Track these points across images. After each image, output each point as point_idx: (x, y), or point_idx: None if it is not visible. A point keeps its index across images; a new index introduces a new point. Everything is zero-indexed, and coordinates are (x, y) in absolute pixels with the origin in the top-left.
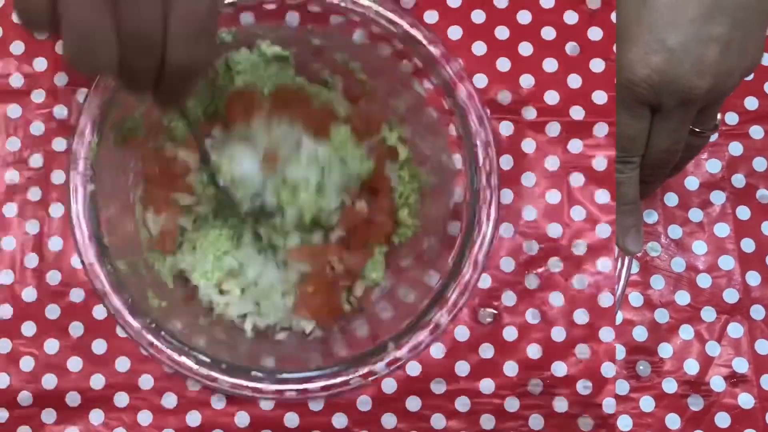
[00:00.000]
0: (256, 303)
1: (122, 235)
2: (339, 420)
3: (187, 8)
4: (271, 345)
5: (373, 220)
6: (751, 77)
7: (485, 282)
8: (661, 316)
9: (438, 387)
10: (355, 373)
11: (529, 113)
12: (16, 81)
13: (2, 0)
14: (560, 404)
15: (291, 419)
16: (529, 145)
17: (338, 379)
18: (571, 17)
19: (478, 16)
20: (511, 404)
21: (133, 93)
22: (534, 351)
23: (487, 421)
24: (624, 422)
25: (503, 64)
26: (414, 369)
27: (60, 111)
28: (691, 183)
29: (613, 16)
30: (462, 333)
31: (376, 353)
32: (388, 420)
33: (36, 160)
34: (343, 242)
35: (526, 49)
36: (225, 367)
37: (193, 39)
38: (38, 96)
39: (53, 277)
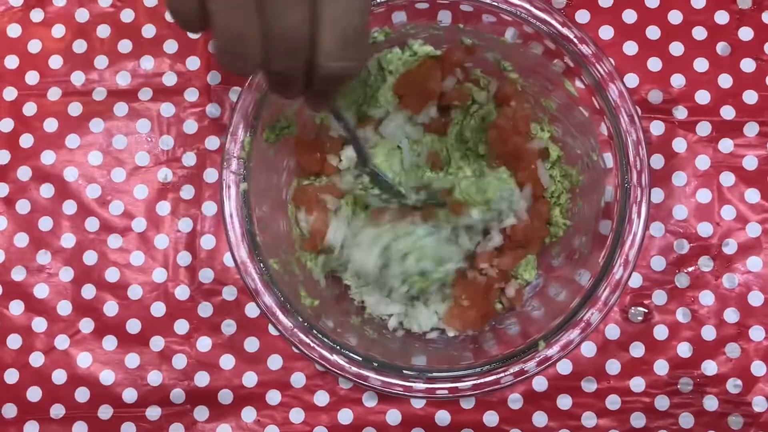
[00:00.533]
0: (404, 304)
1: (275, 233)
2: (490, 418)
3: (336, 16)
4: (422, 343)
5: (532, 230)
6: None
7: (636, 281)
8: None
9: (588, 385)
10: (506, 371)
11: (680, 113)
12: (170, 79)
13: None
14: (710, 402)
15: (442, 417)
16: (679, 145)
17: (489, 378)
18: (721, 17)
19: (629, 16)
20: (662, 403)
21: (283, 95)
22: (684, 350)
23: (638, 419)
24: None
25: (654, 64)
26: (565, 367)
27: (213, 109)
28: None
29: (764, 16)
30: (612, 331)
31: (527, 351)
32: (539, 418)
33: (189, 159)
34: (497, 249)
35: (677, 48)
36: (377, 365)
37: (342, 47)
38: (191, 94)
39: (206, 275)
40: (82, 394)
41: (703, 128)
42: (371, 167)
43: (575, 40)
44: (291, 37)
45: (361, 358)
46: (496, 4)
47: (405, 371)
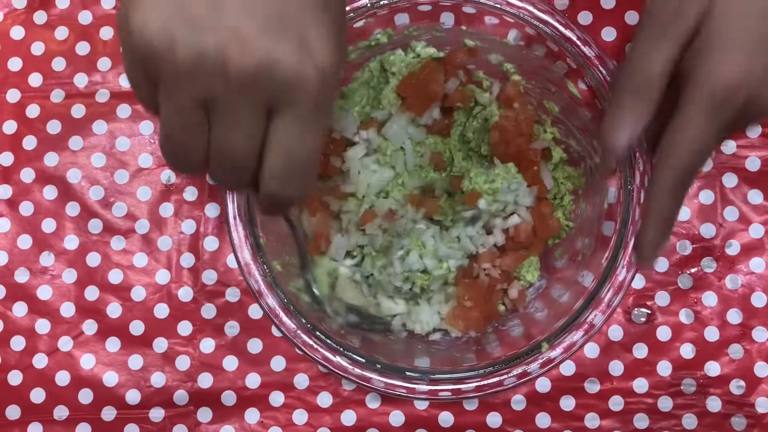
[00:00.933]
0: (407, 304)
1: (278, 234)
2: (493, 419)
3: (285, 148)
4: (425, 345)
5: (535, 231)
6: None
7: (639, 282)
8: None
9: (592, 386)
10: (509, 373)
11: None
12: None
13: None
14: (713, 404)
15: (445, 419)
16: None
17: (492, 380)
18: None
19: (631, 17)
20: (665, 404)
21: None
22: (687, 351)
23: (641, 420)
24: None
25: None
26: (568, 368)
27: None
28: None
29: None
30: (616, 332)
31: (530, 353)
32: (542, 420)
33: None
34: (498, 248)
35: None
36: (380, 367)
37: (286, 176)
38: None
39: (209, 277)
40: (85, 396)
41: None
42: (307, 276)
43: (578, 42)
44: (236, 158)
45: (364, 360)
46: (498, 6)
47: (408, 373)
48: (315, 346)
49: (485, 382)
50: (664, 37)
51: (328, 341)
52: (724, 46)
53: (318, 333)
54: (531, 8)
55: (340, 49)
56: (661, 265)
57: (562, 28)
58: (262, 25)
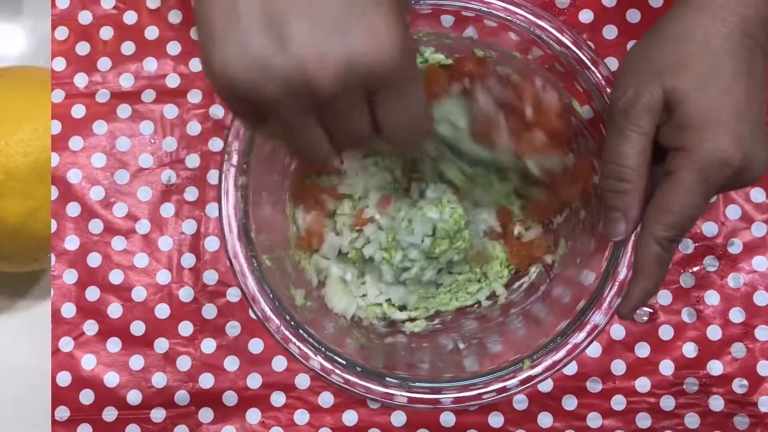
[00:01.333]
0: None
1: (271, 229)
2: (495, 419)
3: (394, 122)
4: (428, 350)
5: None
6: None
7: None
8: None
9: (594, 386)
10: (514, 377)
11: None
12: (173, 81)
13: (158, 2)
14: (716, 403)
15: (447, 419)
16: None
17: (498, 385)
18: None
19: (633, 16)
20: (667, 403)
21: None
22: (690, 350)
23: (643, 419)
24: None
25: None
26: (570, 368)
27: (216, 111)
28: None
29: None
30: (618, 332)
31: (540, 352)
32: (544, 419)
33: (193, 160)
34: None
35: None
36: (360, 370)
37: (407, 141)
38: (194, 96)
39: (210, 277)
40: (86, 396)
41: None
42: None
43: (591, 66)
44: (356, 138)
45: (345, 362)
46: (496, 12)
47: (388, 378)
48: (297, 342)
49: (487, 389)
50: (630, 128)
51: (311, 340)
52: (709, 120)
53: (301, 331)
54: (527, 15)
55: (403, 17)
56: None
57: (556, 33)
58: (329, 30)
